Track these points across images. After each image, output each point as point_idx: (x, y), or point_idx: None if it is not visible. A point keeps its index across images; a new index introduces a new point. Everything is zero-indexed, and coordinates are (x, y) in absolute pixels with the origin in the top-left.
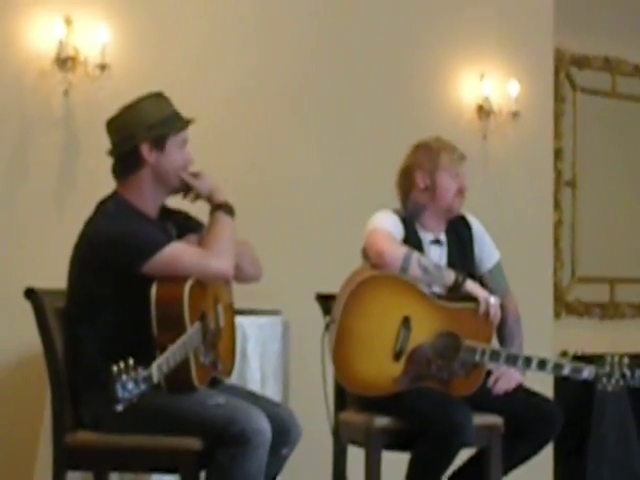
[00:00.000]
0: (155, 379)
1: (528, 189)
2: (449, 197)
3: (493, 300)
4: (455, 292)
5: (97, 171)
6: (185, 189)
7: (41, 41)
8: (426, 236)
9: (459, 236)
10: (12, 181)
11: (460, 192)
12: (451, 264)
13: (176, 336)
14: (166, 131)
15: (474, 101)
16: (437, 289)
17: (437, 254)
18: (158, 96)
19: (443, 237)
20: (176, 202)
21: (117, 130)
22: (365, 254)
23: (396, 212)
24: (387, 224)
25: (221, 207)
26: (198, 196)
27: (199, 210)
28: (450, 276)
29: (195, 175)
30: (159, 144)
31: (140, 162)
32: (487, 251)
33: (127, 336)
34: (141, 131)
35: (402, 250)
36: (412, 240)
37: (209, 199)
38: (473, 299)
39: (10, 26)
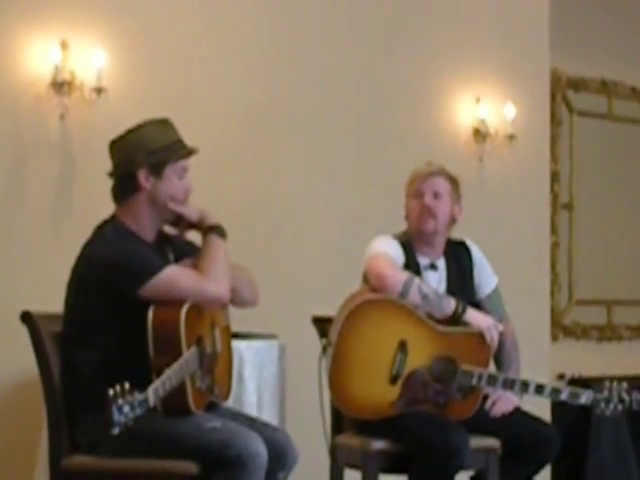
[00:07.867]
0: (151, 403)
1: (525, 212)
2: (414, 220)
3: (500, 327)
4: (455, 322)
5: (93, 195)
6: (175, 219)
7: (37, 65)
8: (423, 261)
9: (459, 262)
10: (9, 205)
11: (422, 210)
12: (450, 290)
13: (172, 360)
14: (165, 158)
15: (470, 124)
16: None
17: (435, 279)
18: (163, 122)
19: (441, 262)
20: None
21: (118, 152)
22: (366, 278)
23: (396, 237)
24: (388, 249)
25: (213, 229)
26: (189, 225)
27: (194, 235)
28: (450, 305)
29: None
30: (157, 171)
31: (136, 187)
32: (486, 277)
33: (123, 359)
34: (140, 156)
35: (403, 275)
36: (411, 265)
37: (200, 223)
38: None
39: (6, 50)
